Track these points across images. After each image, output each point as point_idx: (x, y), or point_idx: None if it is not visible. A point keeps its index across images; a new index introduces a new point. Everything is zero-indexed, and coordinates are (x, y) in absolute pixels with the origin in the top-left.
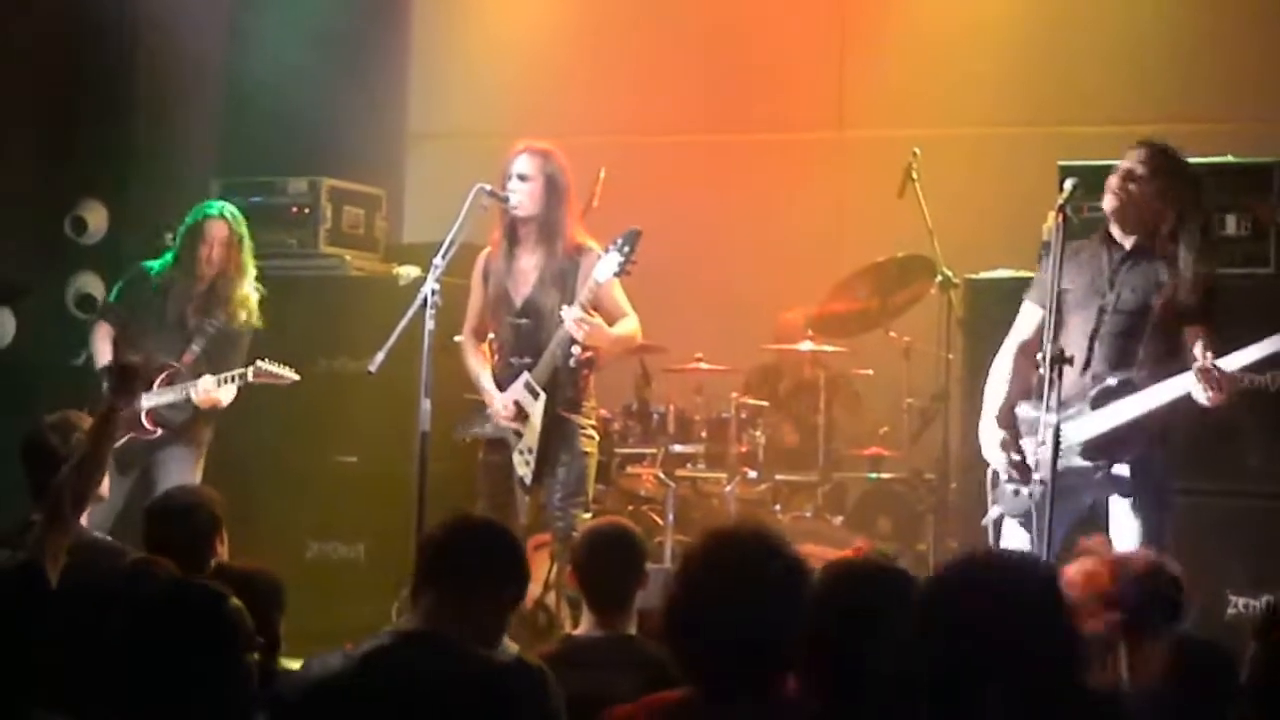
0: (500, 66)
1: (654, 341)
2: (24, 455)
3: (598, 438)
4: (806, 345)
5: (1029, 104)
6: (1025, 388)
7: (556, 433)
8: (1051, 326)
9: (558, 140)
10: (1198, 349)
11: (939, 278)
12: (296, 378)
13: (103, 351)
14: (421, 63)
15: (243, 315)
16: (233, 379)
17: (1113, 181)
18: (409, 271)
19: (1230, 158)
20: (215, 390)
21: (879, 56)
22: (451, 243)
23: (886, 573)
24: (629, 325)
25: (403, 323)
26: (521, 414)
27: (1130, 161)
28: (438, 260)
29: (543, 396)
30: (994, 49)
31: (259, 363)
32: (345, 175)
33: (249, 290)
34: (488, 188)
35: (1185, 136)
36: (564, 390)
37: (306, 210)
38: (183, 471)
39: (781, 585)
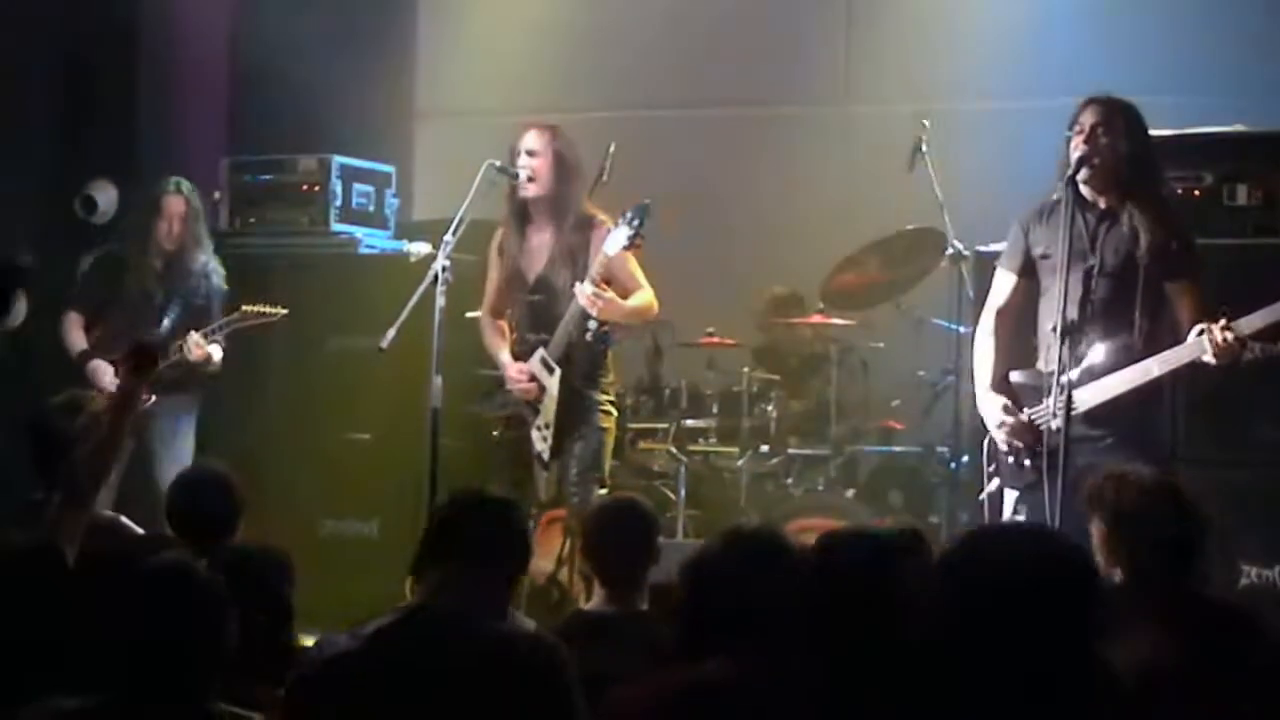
0: (508, 42)
1: (665, 316)
2: (31, 436)
3: (615, 414)
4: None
5: (1036, 77)
6: (1010, 354)
7: (573, 408)
8: (1063, 296)
9: (566, 115)
10: (1192, 307)
11: (949, 250)
12: (284, 311)
13: (75, 340)
14: (429, 39)
15: (208, 283)
16: (220, 328)
17: (1080, 137)
18: (420, 248)
19: (1241, 128)
20: (205, 343)
21: (886, 29)
22: (462, 219)
23: (888, 539)
24: (643, 298)
25: (413, 299)
26: (539, 389)
27: (1094, 117)
28: (448, 237)
29: (558, 371)
30: (1002, 22)
31: (244, 307)
32: (355, 153)
33: (209, 259)
34: (497, 164)
35: (1191, 108)
36: (580, 365)
37: (317, 188)
38: (182, 438)
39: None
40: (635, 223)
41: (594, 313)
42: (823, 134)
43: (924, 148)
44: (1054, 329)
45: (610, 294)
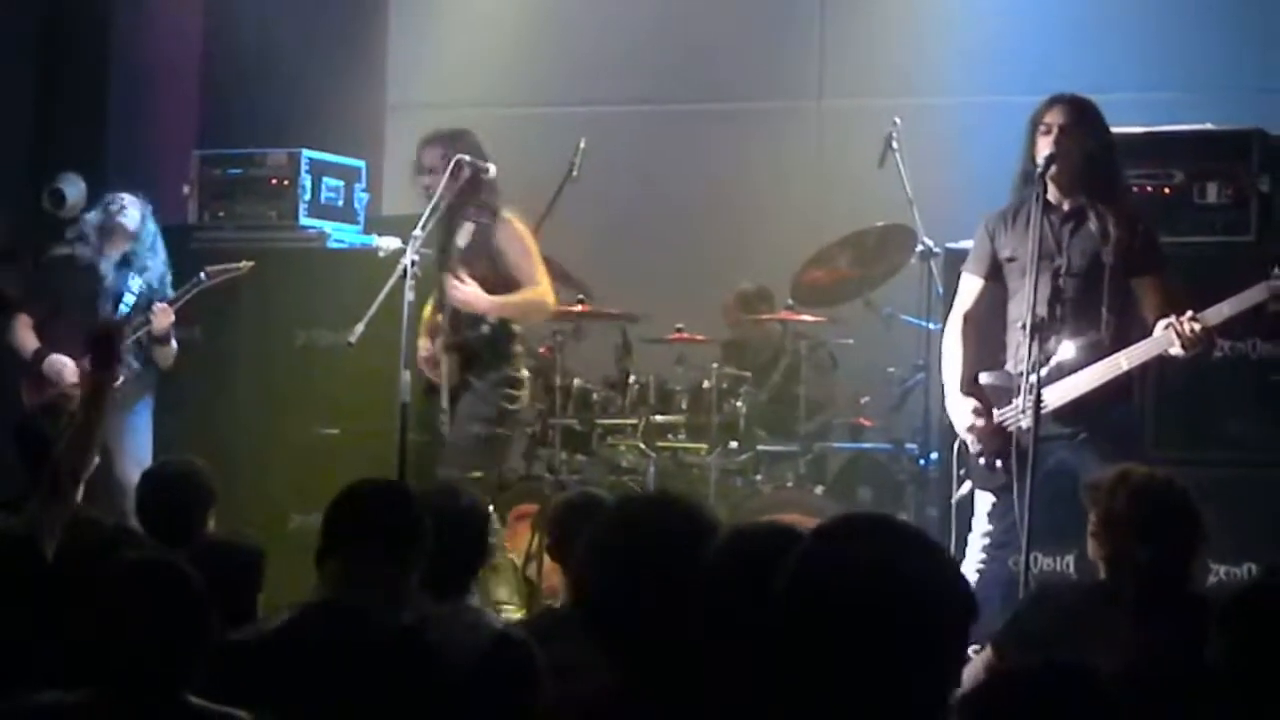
0: (479, 37)
1: (634, 311)
2: (17, 440)
3: (511, 406)
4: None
5: (1008, 74)
6: (978, 357)
7: (462, 395)
8: (1033, 294)
9: (538, 109)
10: (1157, 302)
11: (919, 247)
12: (249, 264)
13: (26, 340)
14: (400, 33)
15: (163, 280)
16: (187, 292)
17: (1048, 137)
18: (389, 243)
19: (1210, 126)
20: (170, 311)
21: (859, 25)
22: (431, 214)
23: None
24: (523, 294)
25: (382, 294)
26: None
27: (1061, 117)
28: (417, 231)
29: (446, 359)
30: (974, 18)
31: (208, 267)
32: (326, 147)
33: (162, 257)
34: (467, 158)
35: (1160, 105)
36: (467, 354)
37: (286, 182)
38: (141, 433)
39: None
40: (483, 219)
41: (454, 302)
42: (794, 130)
43: (895, 144)
44: (1023, 327)
45: (470, 285)
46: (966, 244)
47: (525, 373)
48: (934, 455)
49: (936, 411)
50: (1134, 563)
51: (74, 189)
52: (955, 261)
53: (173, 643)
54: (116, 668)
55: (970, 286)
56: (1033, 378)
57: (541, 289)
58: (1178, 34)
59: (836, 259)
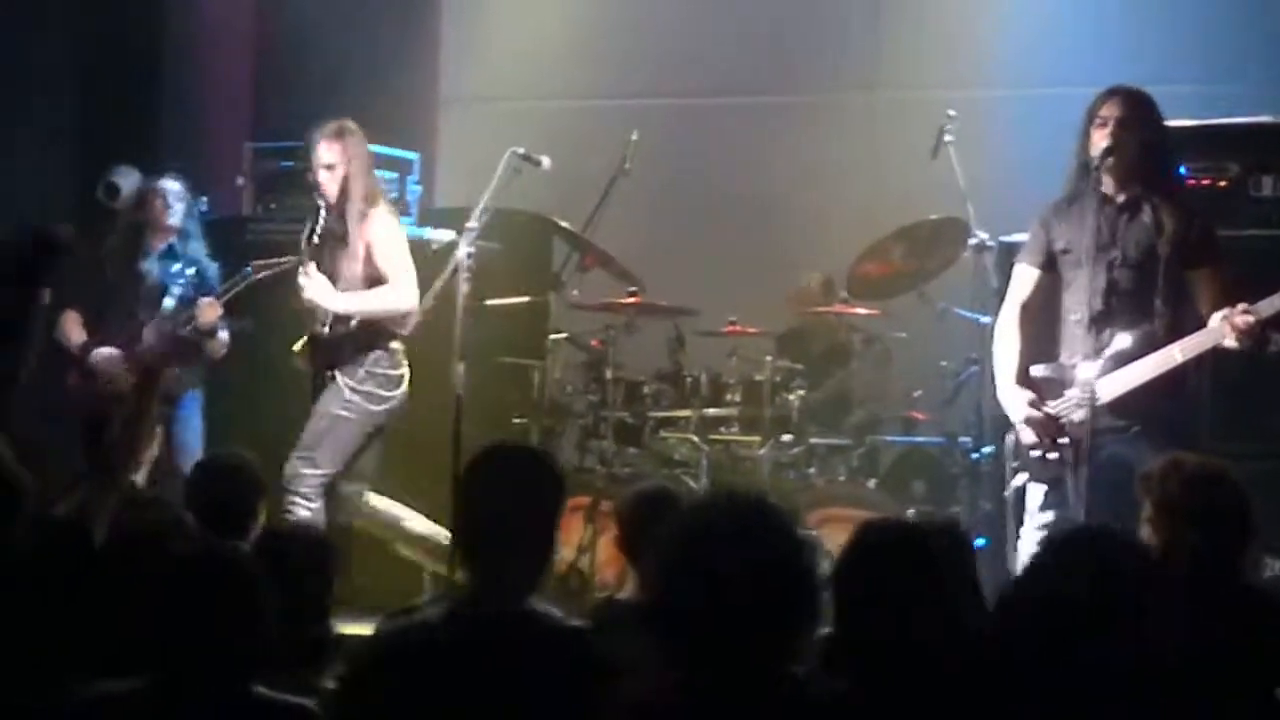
0: (533, 29)
1: (687, 304)
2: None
3: (371, 405)
4: (844, 307)
5: (1062, 66)
6: (1033, 349)
7: (317, 389)
8: (1088, 286)
9: (590, 102)
10: (1212, 295)
11: (973, 240)
12: (294, 259)
13: (74, 334)
14: (453, 25)
15: (206, 268)
16: (231, 289)
17: (1103, 129)
18: (442, 236)
19: (1267, 118)
20: (218, 305)
21: (913, 17)
22: (485, 207)
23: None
24: (377, 292)
25: (436, 287)
26: None
27: (1118, 109)
28: (471, 224)
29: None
30: (1030, 10)
31: (254, 261)
32: (379, 139)
33: (203, 247)
34: (521, 151)
35: (1216, 98)
36: (323, 349)
37: None
38: (189, 423)
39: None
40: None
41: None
42: (847, 122)
43: (949, 136)
44: (1078, 320)
45: (318, 279)
46: (1021, 237)
47: (402, 370)
48: (987, 449)
49: (989, 405)
50: (1187, 549)
51: (128, 181)
52: (1009, 254)
53: (227, 632)
54: (176, 659)
55: (1025, 277)
56: (1088, 369)
57: (399, 290)
58: (1234, 26)
59: (890, 252)
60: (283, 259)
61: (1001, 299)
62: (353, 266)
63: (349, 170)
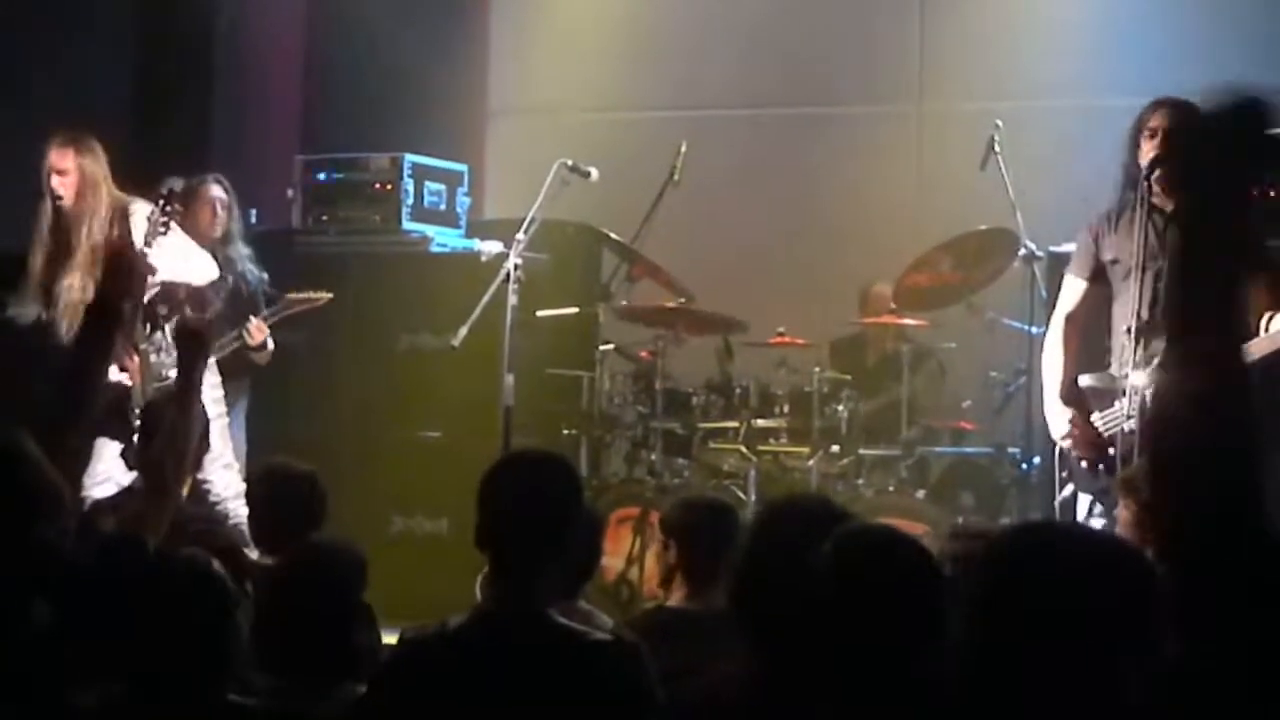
0: (581, 41)
1: (736, 315)
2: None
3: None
4: (893, 319)
5: (1111, 76)
6: (1080, 360)
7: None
8: (1137, 297)
9: (638, 114)
10: (1260, 304)
11: (1022, 251)
12: (328, 296)
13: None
14: (502, 37)
15: (251, 273)
16: (270, 316)
17: (1152, 141)
18: (491, 247)
19: None
20: (264, 327)
21: (960, 28)
22: (533, 218)
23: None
24: None
25: (485, 298)
26: None
27: (1166, 120)
28: (520, 236)
29: None
30: (1077, 20)
31: (288, 295)
32: (427, 151)
33: (248, 250)
34: (569, 163)
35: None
36: None
37: (389, 186)
38: (234, 431)
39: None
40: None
41: None
42: (894, 133)
43: (997, 147)
44: (1127, 331)
45: None
46: (1069, 247)
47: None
48: (1036, 459)
49: (1038, 416)
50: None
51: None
52: (1058, 265)
53: (197, 643)
54: (143, 668)
55: (1073, 288)
56: (1136, 379)
57: None
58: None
59: (939, 263)
60: (317, 295)
61: (1051, 309)
62: None
63: None
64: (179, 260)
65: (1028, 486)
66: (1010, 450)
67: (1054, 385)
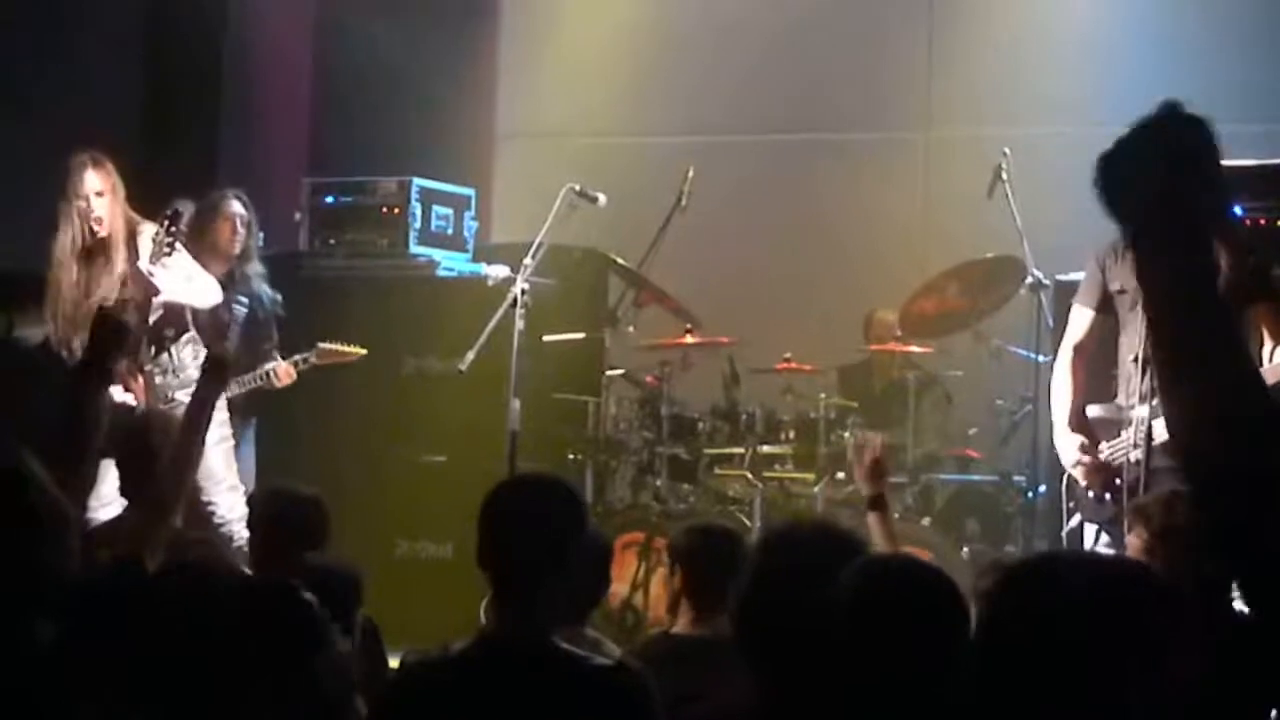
0: (588, 66)
1: (742, 341)
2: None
3: None
4: (900, 346)
5: (1119, 102)
6: (1089, 391)
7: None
8: (1143, 326)
9: (645, 139)
10: (1267, 333)
11: (1028, 279)
12: (362, 352)
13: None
14: (510, 63)
15: (265, 294)
16: (302, 361)
17: None
18: (498, 271)
19: None
20: (294, 371)
21: (967, 56)
22: (541, 243)
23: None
24: None
25: (492, 322)
26: None
27: None
28: (527, 260)
29: None
30: (1084, 48)
31: (321, 344)
32: (434, 175)
33: (263, 269)
34: (577, 187)
35: (1276, 136)
36: None
37: (396, 210)
38: (244, 459)
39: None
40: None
41: None
42: (902, 160)
43: (1004, 174)
44: (1133, 361)
45: None
46: (1076, 276)
47: None
48: (1041, 488)
49: (1045, 444)
50: (1197, 575)
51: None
52: (1065, 293)
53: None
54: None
55: (1081, 318)
56: (1143, 410)
57: None
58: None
59: (945, 290)
60: (351, 350)
61: (1058, 338)
62: None
63: None
64: (181, 281)
65: (1033, 514)
66: (1016, 478)
67: (1062, 414)
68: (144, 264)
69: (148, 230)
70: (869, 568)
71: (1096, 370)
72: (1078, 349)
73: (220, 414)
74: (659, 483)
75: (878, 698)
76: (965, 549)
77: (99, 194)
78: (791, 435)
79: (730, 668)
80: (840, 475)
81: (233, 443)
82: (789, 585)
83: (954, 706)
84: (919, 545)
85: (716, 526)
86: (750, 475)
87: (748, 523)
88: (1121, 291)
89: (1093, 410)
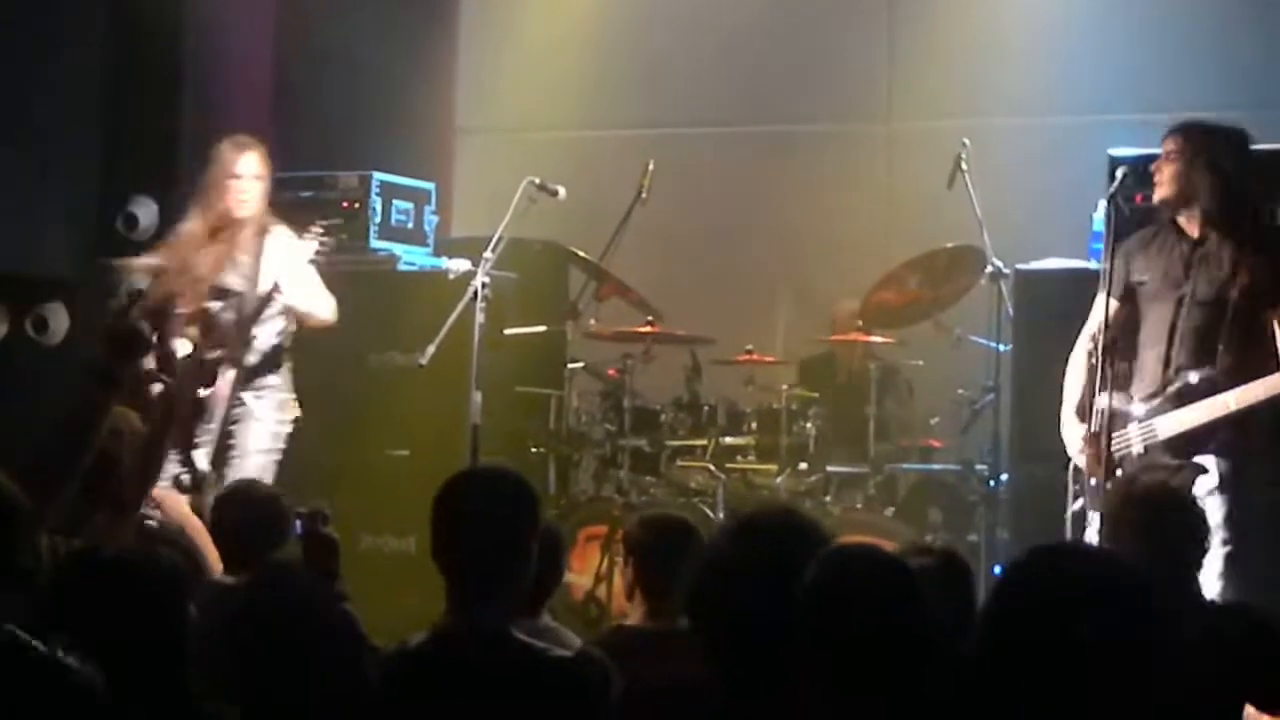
0: (549, 60)
1: (703, 333)
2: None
3: None
4: (861, 336)
5: (1078, 93)
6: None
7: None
8: (1106, 315)
9: (606, 132)
10: None
11: (989, 268)
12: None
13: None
14: (470, 57)
15: None
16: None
17: (1157, 171)
18: (459, 265)
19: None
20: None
21: (927, 47)
22: (501, 237)
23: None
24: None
25: (453, 316)
26: None
27: (1172, 146)
28: (487, 254)
29: None
30: (1044, 39)
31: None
32: (395, 169)
33: None
34: (537, 181)
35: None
36: None
37: (357, 205)
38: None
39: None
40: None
41: None
42: (862, 152)
43: (964, 165)
44: (1149, 355)
45: None
46: (1037, 264)
47: None
48: (1004, 476)
49: (1006, 433)
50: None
51: (146, 211)
52: (1025, 282)
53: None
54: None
55: (1103, 308)
56: (1151, 405)
57: None
58: (1251, 51)
59: (906, 280)
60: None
61: (1018, 327)
62: None
63: None
64: (313, 288)
65: (995, 503)
66: (978, 467)
67: (1071, 402)
68: (281, 260)
69: (279, 232)
70: (831, 558)
71: (1119, 360)
72: (1094, 338)
73: (274, 426)
74: (622, 475)
75: (837, 686)
76: (929, 538)
77: (256, 178)
78: (754, 427)
79: (683, 660)
80: (803, 466)
81: (279, 456)
82: (752, 573)
83: (926, 700)
84: (882, 535)
85: (666, 518)
86: (713, 467)
87: (710, 514)
88: (1141, 283)
89: (1102, 400)
